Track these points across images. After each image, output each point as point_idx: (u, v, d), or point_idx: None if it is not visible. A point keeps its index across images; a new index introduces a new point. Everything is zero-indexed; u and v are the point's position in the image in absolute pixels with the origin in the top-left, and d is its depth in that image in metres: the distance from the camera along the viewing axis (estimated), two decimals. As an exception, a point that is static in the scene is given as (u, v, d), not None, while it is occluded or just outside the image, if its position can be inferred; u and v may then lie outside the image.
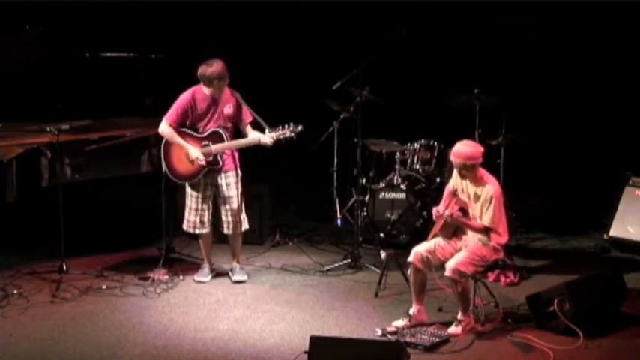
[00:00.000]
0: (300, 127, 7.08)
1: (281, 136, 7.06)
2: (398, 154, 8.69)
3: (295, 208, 9.72)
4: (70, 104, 8.55)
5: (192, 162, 7.19)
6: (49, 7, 9.03)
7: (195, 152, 7.15)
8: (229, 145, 7.16)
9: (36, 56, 8.41)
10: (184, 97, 7.22)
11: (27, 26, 8.36)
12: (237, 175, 7.31)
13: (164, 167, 7.32)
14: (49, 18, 8.97)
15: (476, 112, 8.21)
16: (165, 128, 7.22)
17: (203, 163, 7.14)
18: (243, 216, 7.40)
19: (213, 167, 7.19)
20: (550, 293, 6.36)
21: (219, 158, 7.17)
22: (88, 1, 9.40)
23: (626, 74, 9.77)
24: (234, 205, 7.30)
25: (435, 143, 8.78)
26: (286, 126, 7.08)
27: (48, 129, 7.31)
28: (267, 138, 7.08)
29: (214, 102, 7.19)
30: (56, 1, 9.14)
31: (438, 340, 6.15)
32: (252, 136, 7.21)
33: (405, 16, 9.87)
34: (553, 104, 10.08)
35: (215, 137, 7.16)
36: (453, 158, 6.42)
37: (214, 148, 7.14)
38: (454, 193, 6.55)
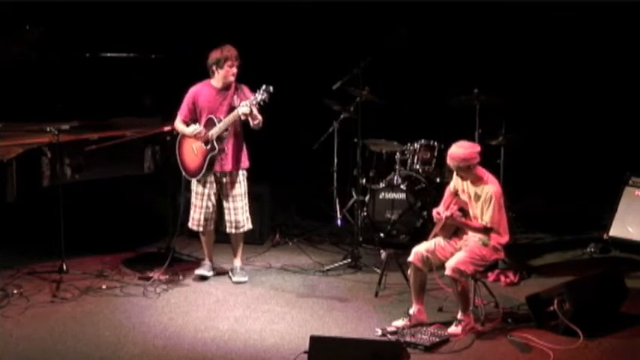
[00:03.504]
0: (270, 87, 7.04)
1: (254, 102, 7.04)
2: (398, 154, 8.70)
3: (295, 208, 9.73)
4: (70, 104, 8.54)
5: (195, 153, 7.20)
6: (49, 7, 9.03)
7: (191, 129, 7.20)
8: (220, 125, 7.16)
9: (36, 56, 8.40)
10: (190, 89, 7.32)
11: (27, 26, 8.35)
12: (242, 174, 7.33)
13: (180, 165, 7.37)
14: (49, 18, 8.96)
15: (476, 112, 8.22)
16: (177, 123, 7.35)
17: (200, 134, 7.14)
18: (247, 216, 7.40)
19: (213, 154, 7.18)
20: (550, 293, 6.37)
21: (215, 144, 7.17)
22: (88, 1, 9.40)
23: (626, 74, 9.77)
24: (238, 203, 7.31)
25: (435, 143, 8.78)
26: (257, 90, 7.08)
27: (48, 129, 7.32)
28: (243, 108, 7.05)
29: (222, 94, 7.20)
30: (56, 1, 9.15)
31: (438, 340, 6.15)
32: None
33: (405, 16, 9.88)
34: (553, 104, 10.09)
35: (210, 124, 7.20)
36: (448, 160, 6.42)
37: (210, 133, 7.17)
38: (455, 193, 6.55)
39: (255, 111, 7.05)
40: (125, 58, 8.92)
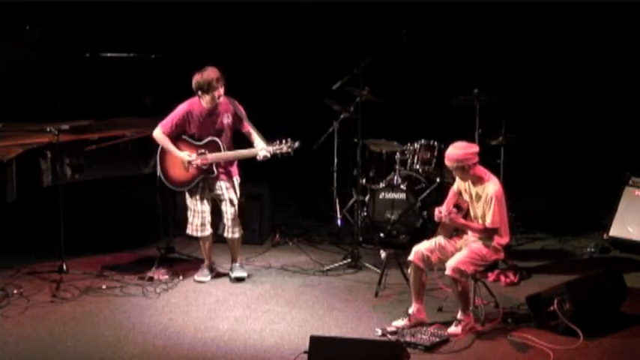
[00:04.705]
0: (297, 144, 7.08)
1: (278, 151, 7.07)
2: (398, 154, 8.70)
3: (295, 208, 9.73)
4: (70, 104, 8.55)
5: (186, 168, 7.19)
6: (49, 7, 9.04)
7: (185, 154, 7.16)
8: (226, 155, 7.16)
9: (36, 56, 8.40)
10: (180, 110, 7.22)
11: (27, 26, 8.36)
12: (235, 180, 7.32)
13: (159, 173, 7.33)
14: (49, 18, 8.97)
15: (476, 112, 8.21)
16: (158, 134, 7.23)
17: (198, 162, 7.13)
18: (239, 221, 7.40)
19: (208, 175, 7.19)
20: (550, 293, 6.36)
21: (214, 167, 7.17)
22: (88, 1, 9.40)
23: (626, 74, 9.77)
24: (235, 208, 7.30)
25: (435, 143, 8.78)
26: (284, 141, 7.08)
27: (48, 129, 7.31)
28: (265, 152, 7.07)
29: (212, 113, 7.17)
30: (56, 1, 9.15)
31: (438, 340, 6.14)
32: (255, 144, 7.18)
33: (406, 17, 9.88)
34: (553, 104, 10.09)
35: (212, 146, 7.16)
36: (446, 161, 6.42)
37: (210, 156, 7.14)
38: (459, 194, 6.55)
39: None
40: (125, 58, 8.93)
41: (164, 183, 7.35)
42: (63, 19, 9.24)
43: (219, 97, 7.12)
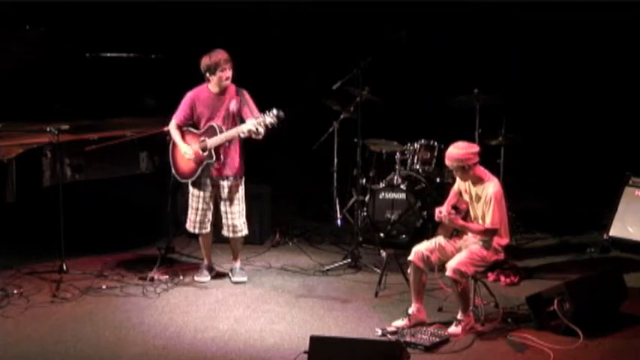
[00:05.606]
0: (280, 112, 6.96)
1: (261, 122, 6.98)
2: (398, 154, 8.69)
3: (295, 208, 9.72)
4: (70, 104, 8.54)
5: (190, 158, 7.22)
6: (49, 7, 9.03)
7: (183, 147, 7.19)
8: (221, 137, 7.16)
9: (36, 56, 8.40)
10: (187, 98, 7.27)
11: (27, 26, 8.35)
12: (239, 178, 7.31)
13: (172, 167, 7.37)
14: (49, 18, 8.97)
15: (476, 112, 8.22)
16: (171, 126, 7.29)
17: (191, 157, 7.15)
18: (244, 220, 7.39)
19: (209, 162, 7.19)
20: (550, 293, 6.37)
21: (213, 152, 7.17)
22: (88, 1, 9.40)
23: (626, 74, 9.77)
24: (235, 207, 7.29)
25: (435, 143, 8.78)
26: (267, 112, 7.02)
27: (48, 129, 7.32)
28: (248, 126, 7.00)
29: (219, 99, 7.18)
30: (56, 1, 9.15)
31: (438, 340, 6.15)
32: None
33: (406, 17, 9.88)
34: (553, 104, 10.09)
35: (210, 132, 7.18)
36: (446, 161, 6.42)
37: (209, 142, 7.16)
38: (459, 194, 6.55)
39: (261, 130, 6.98)
40: (125, 58, 8.92)
41: (175, 177, 7.39)
42: (63, 19, 9.23)
43: (226, 79, 7.13)
